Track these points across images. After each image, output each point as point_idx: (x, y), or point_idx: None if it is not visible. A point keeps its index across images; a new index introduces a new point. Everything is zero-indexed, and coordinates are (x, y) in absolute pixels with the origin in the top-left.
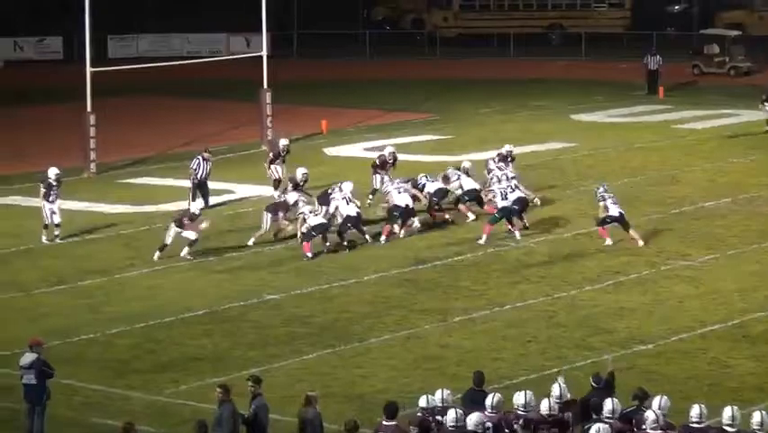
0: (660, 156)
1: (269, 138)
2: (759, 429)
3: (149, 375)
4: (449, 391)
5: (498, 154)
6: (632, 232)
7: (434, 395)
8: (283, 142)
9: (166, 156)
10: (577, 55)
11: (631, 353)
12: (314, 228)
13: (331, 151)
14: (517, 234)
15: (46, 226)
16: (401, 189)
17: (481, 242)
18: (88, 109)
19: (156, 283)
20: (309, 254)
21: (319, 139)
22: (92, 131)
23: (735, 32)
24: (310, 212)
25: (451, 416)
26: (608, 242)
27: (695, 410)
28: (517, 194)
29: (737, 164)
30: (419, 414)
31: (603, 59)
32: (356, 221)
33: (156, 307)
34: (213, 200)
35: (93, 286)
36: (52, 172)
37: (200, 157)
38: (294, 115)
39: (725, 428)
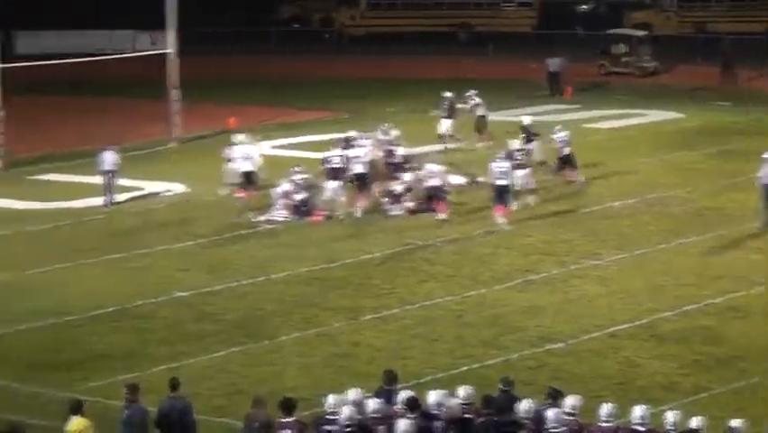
0: None
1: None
2: (672, 429)
3: (58, 372)
4: (361, 390)
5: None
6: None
7: (342, 395)
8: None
9: (74, 153)
10: (485, 54)
11: (541, 351)
12: None
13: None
14: (498, 218)
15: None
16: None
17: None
18: None
19: (65, 280)
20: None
21: (227, 136)
22: (0, 127)
23: (641, 32)
24: None
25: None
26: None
27: (604, 409)
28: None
29: (645, 164)
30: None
31: (511, 59)
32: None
33: (65, 304)
34: (123, 197)
35: (0, 283)
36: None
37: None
38: (201, 113)
39: (635, 427)
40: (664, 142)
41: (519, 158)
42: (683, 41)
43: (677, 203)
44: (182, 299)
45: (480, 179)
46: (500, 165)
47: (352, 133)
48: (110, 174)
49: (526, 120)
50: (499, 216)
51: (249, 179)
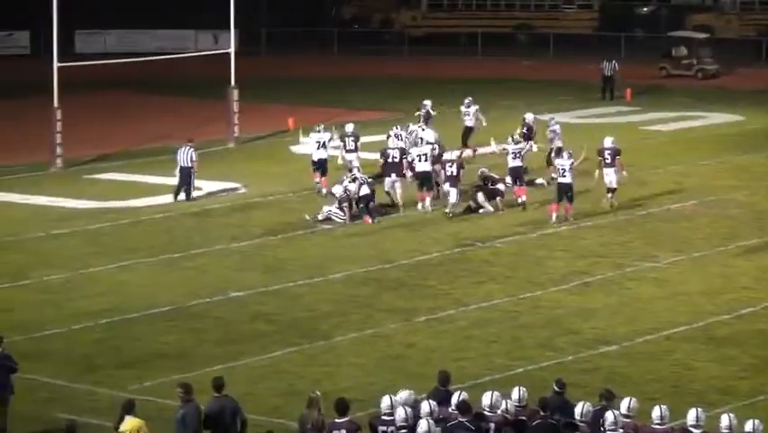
0: (627, 157)
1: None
2: (728, 432)
3: (113, 371)
4: (411, 392)
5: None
6: None
7: (396, 396)
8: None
9: (132, 152)
10: (544, 56)
11: (596, 354)
12: None
13: (297, 148)
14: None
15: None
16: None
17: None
18: (55, 104)
19: (121, 279)
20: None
21: (286, 137)
22: (59, 126)
23: (703, 35)
24: None
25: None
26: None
27: (656, 412)
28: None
29: (705, 166)
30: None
31: (571, 60)
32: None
33: (121, 302)
34: (181, 197)
35: (57, 281)
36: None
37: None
38: (261, 113)
39: (689, 429)
40: (724, 144)
41: (607, 157)
42: (745, 44)
43: (736, 206)
44: (237, 299)
45: (539, 180)
46: (563, 162)
47: (416, 130)
48: (184, 170)
49: (529, 117)
50: (554, 214)
51: (322, 166)
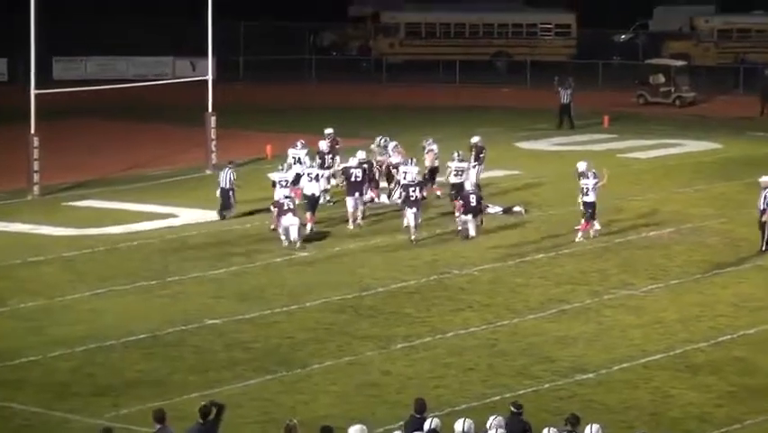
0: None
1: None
2: None
3: (89, 399)
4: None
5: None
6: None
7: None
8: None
9: (110, 179)
10: (522, 83)
11: (573, 382)
12: None
13: (275, 176)
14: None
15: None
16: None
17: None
18: (32, 131)
19: (97, 307)
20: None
21: (264, 164)
22: (36, 153)
23: (680, 62)
24: None
25: None
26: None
27: None
28: None
29: (682, 194)
30: None
31: (548, 88)
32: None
33: (97, 330)
34: (158, 224)
35: (34, 309)
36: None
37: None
38: (239, 140)
39: None
40: (701, 172)
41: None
42: (722, 72)
43: (712, 233)
44: (214, 327)
45: (516, 208)
46: (587, 182)
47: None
48: (224, 192)
49: (476, 139)
50: (581, 233)
51: (298, 180)
